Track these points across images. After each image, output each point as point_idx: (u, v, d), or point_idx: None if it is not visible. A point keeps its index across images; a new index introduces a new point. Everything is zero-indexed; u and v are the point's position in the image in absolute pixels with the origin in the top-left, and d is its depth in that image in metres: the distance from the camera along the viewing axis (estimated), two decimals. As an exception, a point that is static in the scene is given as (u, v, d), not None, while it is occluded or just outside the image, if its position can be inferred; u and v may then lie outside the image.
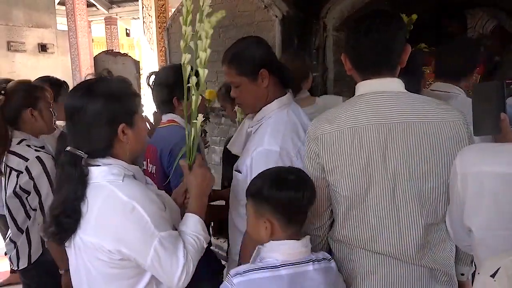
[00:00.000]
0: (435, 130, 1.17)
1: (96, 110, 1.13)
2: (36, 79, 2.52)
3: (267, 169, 1.28)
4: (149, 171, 1.81)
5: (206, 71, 1.29)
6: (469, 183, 1.03)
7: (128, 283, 1.19)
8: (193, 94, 1.32)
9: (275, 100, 1.53)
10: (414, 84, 1.59)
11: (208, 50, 1.28)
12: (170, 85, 1.73)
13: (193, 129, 1.34)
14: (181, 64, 1.32)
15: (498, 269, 0.65)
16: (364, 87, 1.26)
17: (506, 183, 0.95)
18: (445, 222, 1.25)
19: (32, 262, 1.87)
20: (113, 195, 1.13)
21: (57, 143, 1.91)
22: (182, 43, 1.29)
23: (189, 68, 1.30)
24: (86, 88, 1.17)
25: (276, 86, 1.54)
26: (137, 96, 1.25)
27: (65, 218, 1.13)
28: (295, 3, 3.20)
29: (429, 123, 1.17)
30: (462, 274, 1.37)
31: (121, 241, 1.12)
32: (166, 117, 1.82)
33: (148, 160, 1.82)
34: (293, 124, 1.51)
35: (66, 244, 1.21)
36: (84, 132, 1.15)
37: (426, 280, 1.25)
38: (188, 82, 1.31)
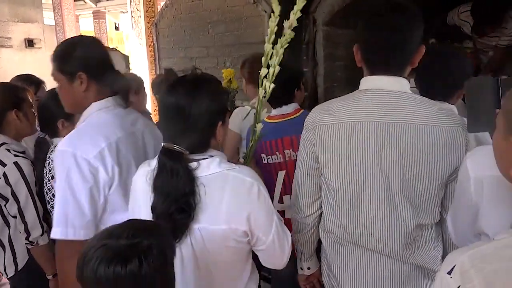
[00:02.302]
0: (433, 134, 1.16)
1: (202, 109, 1.14)
2: (14, 77, 2.48)
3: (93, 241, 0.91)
4: None
5: (273, 85, 1.36)
6: (484, 187, 1.01)
7: (240, 267, 1.26)
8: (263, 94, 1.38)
9: (93, 103, 1.43)
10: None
11: (277, 67, 1.35)
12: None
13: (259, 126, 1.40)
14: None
15: (454, 266, 0.69)
16: (369, 82, 1.25)
17: None
18: (435, 222, 1.25)
19: (19, 269, 1.84)
20: (239, 180, 1.16)
21: (35, 148, 1.88)
22: (263, 59, 1.36)
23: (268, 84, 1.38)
24: (189, 85, 1.17)
25: (99, 92, 1.43)
26: (228, 94, 1.27)
27: (179, 214, 1.13)
28: (284, -2, 3.18)
29: (428, 127, 1.16)
30: None
31: (252, 220, 1.16)
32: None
33: None
34: (103, 124, 1.40)
35: (180, 241, 1.16)
36: (186, 129, 1.14)
37: (415, 277, 1.26)
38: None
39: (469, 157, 1.07)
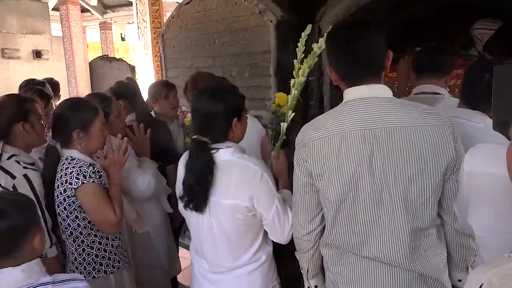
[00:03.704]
0: (420, 135, 1.17)
1: (219, 110, 1.48)
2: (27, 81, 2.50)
3: None
4: None
5: (298, 92, 1.74)
6: (473, 182, 1.04)
7: (251, 237, 1.55)
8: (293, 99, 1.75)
9: None
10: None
11: (303, 78, 1.71)
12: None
13: (284, 125, 1.74)
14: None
15: (481, 285, 0.67)
16: (350, 93, 1.27)
17: (506, 187, 0.95)
18: (435, 227, 1.26)
19: None
20: (246, 166, 1.48)
21: (45, 157, 1.87)
22: (295, 74, 1.72)
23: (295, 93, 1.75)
24: (211, 92, 1.53)
25: None
26: (244, 97, 1.60)
27: (197, 186, 1.48)
28: (289, 7, 3.19)
29: (414, 128, 1.18)
30: (460, 280, 1.36)
31: (254, 199, 1.46)
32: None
33: None
34: None
35: (201, 210, 1.51)
36: (209, 124, 1.49)
37: (416, 285, 1.25)
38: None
39: (468, 152, 1.09)
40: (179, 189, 1.59)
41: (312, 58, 1.65)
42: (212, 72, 2.51)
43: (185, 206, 1.55)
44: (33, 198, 1.73)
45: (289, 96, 1.73)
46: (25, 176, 1.74)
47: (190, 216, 1.59)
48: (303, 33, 1.71)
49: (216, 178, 1.47)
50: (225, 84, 1.66)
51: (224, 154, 1.49)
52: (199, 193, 1.49)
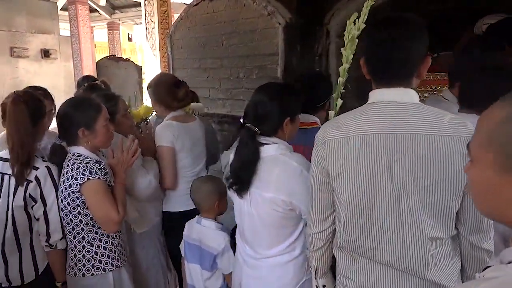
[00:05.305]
0: (444, 145, 1.13)
1: (275, 108, 1.56)
2: (28, 88, 2.54)
3: None
4: None
5: (343, 79, 1.92)
6: None
7: (290, 230, 1.60)
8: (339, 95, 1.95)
9: None
10: None
11: (347, 65, 1.88)
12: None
13: (332, 113, 1.87)
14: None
15: None
16: (376, 95, 1.24)
17: None
18: (451, 237, 1.23)
19: (40, 272, 1.83)
20: (287, 162, 1.54)
21: (50, 155, 1.89)
22: (343, 60, 1.90)
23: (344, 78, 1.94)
24: (272, 89, 1.63)
25: None
26: (300, 97, 1.65)
27: (242, 172, 1.57)
28: (298, 10, 3.20)
29: (438, 137, 1.14)
30: None
31: (293, 195, 1.52)
32: None
33: None
34: None
35: (241, 195, 1.61)
36: (262, 118, 1.56)
37: None
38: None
39: None
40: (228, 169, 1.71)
41: (351, 42, 1.76)
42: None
43: (229, 187, 1.66)
44: (53, 189, 1.77)
45: (339, 80, 1.89)
46: (47, 167, 1.77)
47: (234, 198, 1.69)
48: (348, 21, 1.81)
49: (259, 171, 1.55)
50: (289, 84, 1.73)
51: (269, 150, 1.55)
52: (243, 179, 1.58)
